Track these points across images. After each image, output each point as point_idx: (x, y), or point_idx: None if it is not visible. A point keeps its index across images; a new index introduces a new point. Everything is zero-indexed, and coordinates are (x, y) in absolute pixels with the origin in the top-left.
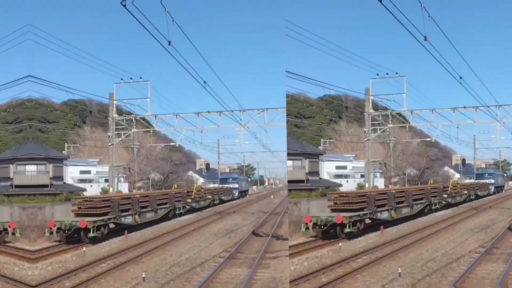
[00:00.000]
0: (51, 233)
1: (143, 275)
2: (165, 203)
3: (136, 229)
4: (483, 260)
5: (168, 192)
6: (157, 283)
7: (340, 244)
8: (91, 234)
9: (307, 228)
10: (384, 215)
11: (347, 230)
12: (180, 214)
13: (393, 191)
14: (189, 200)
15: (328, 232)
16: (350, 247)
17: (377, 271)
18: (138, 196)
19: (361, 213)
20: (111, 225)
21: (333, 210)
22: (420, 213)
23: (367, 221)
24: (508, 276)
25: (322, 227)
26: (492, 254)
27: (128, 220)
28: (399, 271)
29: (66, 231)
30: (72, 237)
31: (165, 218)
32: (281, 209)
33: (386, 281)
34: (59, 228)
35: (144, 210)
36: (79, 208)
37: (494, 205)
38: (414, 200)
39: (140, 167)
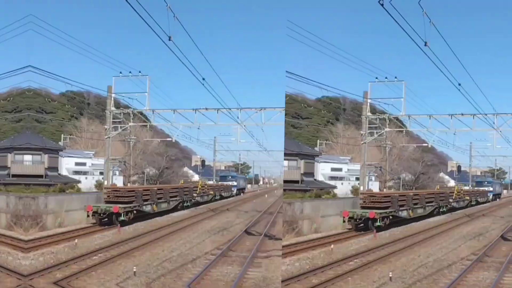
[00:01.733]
0: (88, 216)
1: (134, 269)
2: (175, 196)
3: (128, 223)
4: (475, 267)
5: (178, 187)
6: (147, 278)
7: (332, 246)
8: (121, 218)
9: (344, 221)
10: (404, 214)
11: (378, 223)
12: (187, 207)
13: (411, 193)
14: (194, 195)
15: (359, 225)
16: (342, 249)
17: (368, 275)
18: (155, 188)
19: (387, 210)
20: (134, 212)
21: (363, 208)
22: (430, 215)
23: (390, 217)
24: (499, 285)
25: (357, 220)
26: (484, 262)
27: (148, 208)
28: (390, 275)
29: (101, 215)
30: (103, 220)
31: (174, 209)
32: (275, 208)
33: (377, 284)
34: (95, 212)
35: (160, 201)
36: (108, 196)
37: (488, 213)
38: (426, 202)
39: (136, 161)
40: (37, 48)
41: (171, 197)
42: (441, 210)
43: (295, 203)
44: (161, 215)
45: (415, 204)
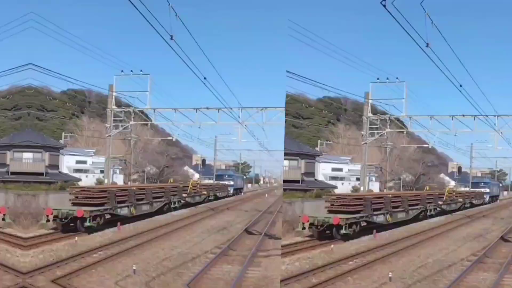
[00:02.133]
0: (48, 220)
1: (134, 268)
2: (161, 197)
3: (129, 221)
4: (475, 268)
5: (164, 186)
6: (147, 276)
7: (332, 246)
8: (87, 224)
9: (303, 228)
10: (380, 219)
11: (343, 231)
12: (175, 208)
13: (390, 195)
14: (184, 195)
15: (324, 233)
16: (342, 249)
17: (368, 275)
18: (134, 188)
19: (357, 215)
20: (107, 216)
21: (330, 212)
22: (415, 219)
23: (363, 224)
24: (499, 286)
25: (319, 227)
26: (483, 263)
27: (124, 211)
28: (390, 275)
29: (63, 219)
30: (68, 225)
31: (159, 211)
32: (275, 208)
33: (377, 285)
34: (56, 216)
35: (140, 202)
36: (76, 197)
37: (488, 214)
38: (410, 205)
39: (136, 159)
40: (38, 46)
41: (154, 198)
42: (428, 214)
43: (295, 202)
44: (161, 215)
45: (396, 207)
